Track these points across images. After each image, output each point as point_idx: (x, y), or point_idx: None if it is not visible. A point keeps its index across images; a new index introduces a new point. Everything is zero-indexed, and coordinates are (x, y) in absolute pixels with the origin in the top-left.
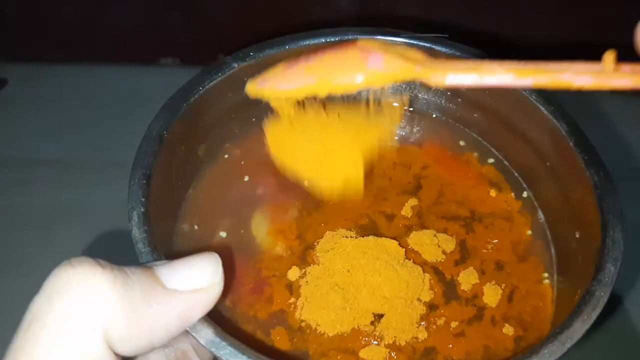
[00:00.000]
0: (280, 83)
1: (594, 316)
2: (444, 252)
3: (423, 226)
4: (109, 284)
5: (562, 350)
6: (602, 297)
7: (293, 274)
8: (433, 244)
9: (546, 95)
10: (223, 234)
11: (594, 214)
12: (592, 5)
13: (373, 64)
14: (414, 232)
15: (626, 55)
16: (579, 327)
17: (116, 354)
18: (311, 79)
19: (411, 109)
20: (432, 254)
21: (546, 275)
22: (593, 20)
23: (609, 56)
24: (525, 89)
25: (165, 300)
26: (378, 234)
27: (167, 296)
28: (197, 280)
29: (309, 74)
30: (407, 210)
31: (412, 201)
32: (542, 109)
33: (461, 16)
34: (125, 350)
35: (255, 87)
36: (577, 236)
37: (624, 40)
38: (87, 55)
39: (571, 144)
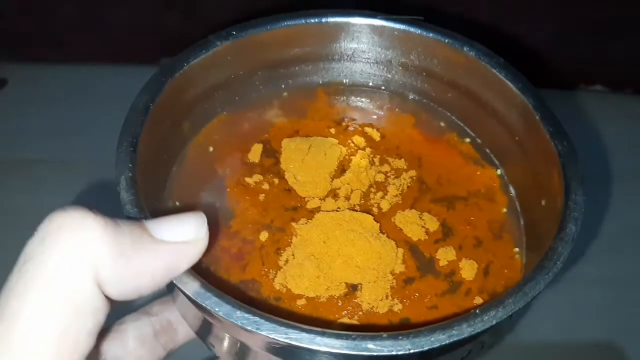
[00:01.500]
0: None
1: (556, 270)
2: (427, 232)
3: (410, 206)
4: (99, 228)
5: (525, 300)
6: (563, 253)
7: (269, 243)
8: (417, 224)
9: (516, 74)
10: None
11: (558, 181)
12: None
13: None
14: (399, 212)
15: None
16: (541, 280)
17: (106, 297)
18: None
19: (388, 89)
20: (415, 233)
21: (517, 250)
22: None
23: None
24: (494, 69)
25: (152, 248)
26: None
27: (155, 245)
28: (184, 233)
29: None
30: (393, 192)
31: (399, 182)
32: (511, 85)
33: (462, 19)
34: (114, 292)
35: None
36: (543, 204)
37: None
38: (87, 55)
39: (537, 117)
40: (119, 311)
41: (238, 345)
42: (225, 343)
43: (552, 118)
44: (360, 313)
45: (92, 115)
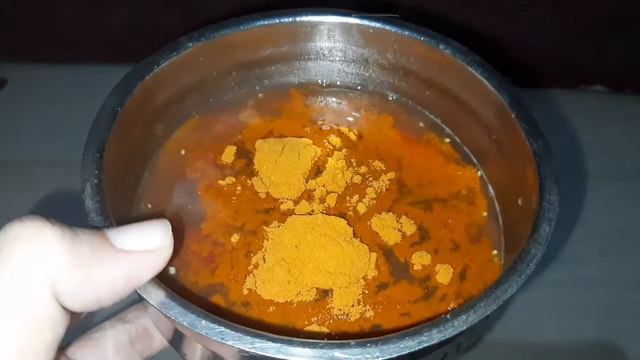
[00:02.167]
0: None
1: (529, 272)
2: (403, 236)
3: (388, 209)
4: (56, 238)
5: (497, 303)
6: (536, 255)
7: (239, 246)
8: (394, 227)
9: (492, 72)
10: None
11: (533, 180)
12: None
13: None
14: (376, 215)
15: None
16: (514, 282)
17: (65, 309)
18: None
19: (366, 87)
20: (391, 236)
21: (495, 252)
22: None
23: None
24: (470, 67)
25: (113, 258)
26: (344, 218)
27: (115, 254)
28: (146, 242)
29: None
30: (371, 194)
31: (377, 184)
32: (487, 83)
33: (462, 19)
34: (73, 304)
35: None
36: (520, 203)
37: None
38: (87, 55)
39: (513, 115)
40: (93, 318)
41: (209, 355)
42: (197, 352)
43: (528, 116)
44: (331, 320)
45: (92, 116)
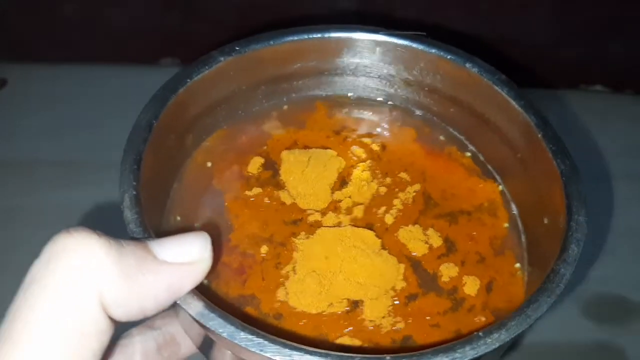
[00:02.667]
0: None
1: (558, 292)
2: (430, 247)
3: (415, 221)
4: (104, 250)
5: (528, 323)
6: (565, 275)
7: (269, 257)
8: (421, 239)
9: (518, 91)
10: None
11: (560, 200)
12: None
13: None
14: (403, 227)
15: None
16: (544, 302)
17: (110, 319)
18: None
19: (390, 103)
20: (418, 248)
21: (518, 265)
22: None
23: None
24: (496, 86)
25: (156, 270)
26: (371, 229)
27: (158, 266)
28: (187, 254)
29: None
30: (398, 206)
31: (404, 195)
32: (514, 103)
33: (462, 19)
34: (118, 314)
35: None
36: (546, 222)
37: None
38: (87, 55)
39: (540, 135)
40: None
41: None
42: (225, 358)
43: (555, 136)
44: (363, 331)
45: (92, 115)
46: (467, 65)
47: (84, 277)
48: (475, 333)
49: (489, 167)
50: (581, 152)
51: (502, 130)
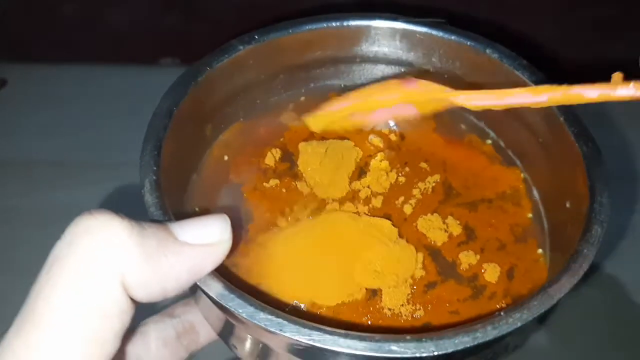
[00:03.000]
0: (333, 106)
1: (582, 272)
2: (450, 236)
3: (434, 210)
4: (126, 231)
5: (551, 302)
6: (588, 255)
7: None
8: (440, 228)
9: (539, 75)
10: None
11: (583, 183)
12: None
13: (409, 86)
14: (422, 216)
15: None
16: (567, 282)
17: (132, 299)
18: (358, 100)
19: None
20: (438, 237)
21: (540, 251)
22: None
23: (617, 76)
24: (517, 71)
25: (177, 251)
26: (389, 219)
27: (180, 247)
28: (208, 235)
29: (356, 96)
30: (417, 195)
31: (424, 185)
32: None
33: (465, 7)
34: (140, 295)
35: (313, 118)
36: (568, 206)
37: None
38: (87, 55)
39: (562, 119)
40: (142, 312)
41: (260, 346)
42: (248, 344)
43: (577, 119)
44: (382, 318)
45: (92, 115)
46: (488, 51)
47: (106, 258)
48: (497, 313)
49: (511, 154)
50: None
51: (524, 116)
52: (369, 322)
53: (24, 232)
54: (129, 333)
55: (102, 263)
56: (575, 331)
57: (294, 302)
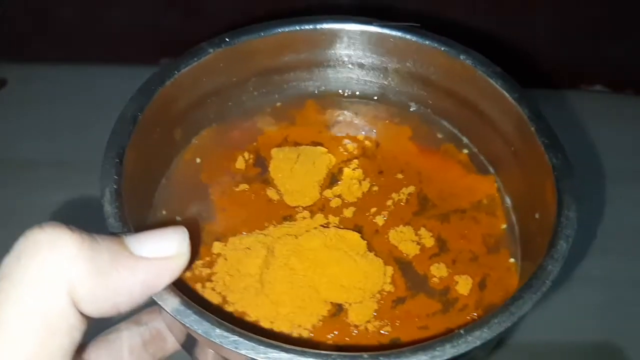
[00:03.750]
0: None
1: (544, 289)
2: (422, 248)
3: (407, 222)
4: (76, 245)
5: (511, 320)
6: (552, 271)
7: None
8: (413, 240)
9: (512, 84)
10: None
11: (552, 195)
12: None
13: None
14: (394, 228)
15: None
16: (529, 299)
17: (82, 314)
18: None
19: (384, 97)
20: (410, 249)
21: (512, 260)
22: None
23: None
24: (490, 78)
25: (131, 265)
26: (360, 231)
27: (134, 262)
28: (164, 249)
29: None
30: (391, 207)
31: (398, 196)
32: (508, 96)
33: (462, 20)
34: (90, 310)
35: None
36: (537, 217)
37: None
38: (87, 55)
39: (532, 129)
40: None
41: None
42: (210, 358)
43: (548, 130)
44: (348, 335)
45: (91, 116)
46: (462, 57)
47: (54, 273)
48: (456, 331)
49: (486, 162)
50: (581, 153)
51: (497, 123)
52: (335, 339)
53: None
54: (94, 341)
55: (50, 278)
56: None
57: (255, 317)
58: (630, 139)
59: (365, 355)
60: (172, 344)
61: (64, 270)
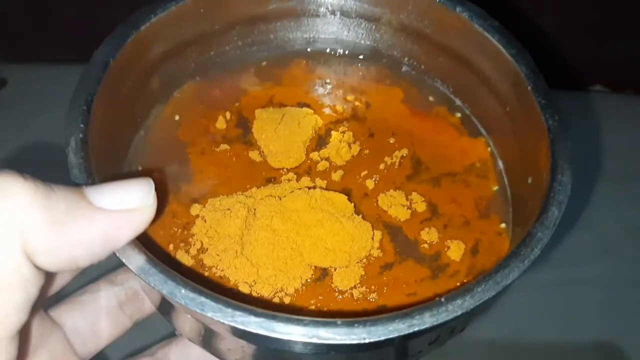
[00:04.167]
0: None
1: (532, 257)
2: (413, 213)
3: (398, 186)
4: (29, 193)
5: (496, 289)
6: (542, 239)
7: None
8: (403, 205)
9: (510, 39)
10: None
11: (546, 159)
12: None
13: None
14: (385, 192)
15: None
16: (515, 267)
17: (38, 268)
18: None
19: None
20: (400, 214)
21: (503, 226)
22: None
23: None
24: (486, 32)
25: (89, 216)
26: (348, 194)
27: (93, 212)
28: (127, 200)
29: None
30: (383, 170)
31: (390, 160)
32: (505, 51)
33: None
34: (46, 263)
35: None
36: (530, 182)
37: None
38: (87, 55)
39: (529, 87)
40: (80, 280)
41: (197, 324)
42: (187, 324)
43: (545, 90)
44: (332, 301)
45: None
46: (458, 9)
47: (5, 223)
48: (437, 299)
49: (478, 125)
50: (580, 152)
51: (492, 82)
52: (317, 305)
53: None
54: (72, 304)
55: (1, 228)
56: None
57: (235, 280)
58: (630, 139)
59: (338, 321)
60: (149, 304)
61: (16, 220)
